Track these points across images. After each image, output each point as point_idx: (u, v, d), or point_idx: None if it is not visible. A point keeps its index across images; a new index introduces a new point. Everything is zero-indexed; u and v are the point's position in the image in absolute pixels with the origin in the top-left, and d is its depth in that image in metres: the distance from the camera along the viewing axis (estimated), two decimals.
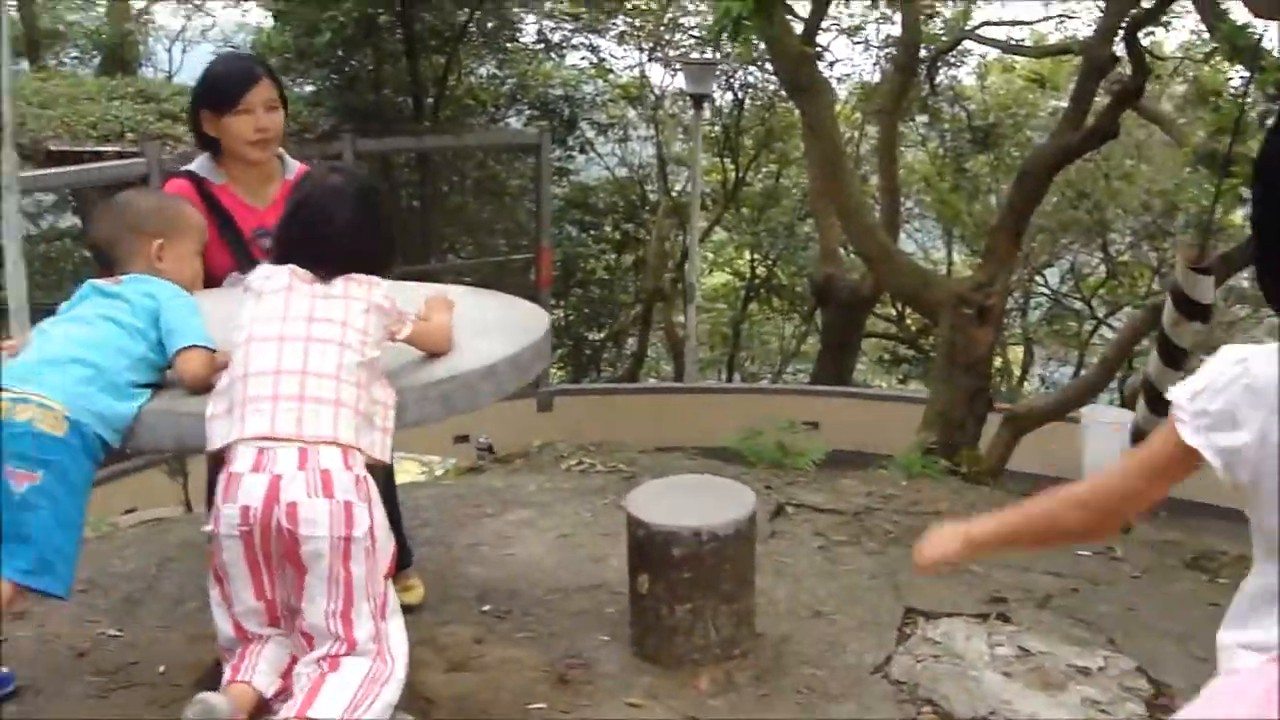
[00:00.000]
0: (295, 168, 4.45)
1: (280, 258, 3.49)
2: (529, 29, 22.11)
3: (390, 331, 3.44)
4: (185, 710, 3.10)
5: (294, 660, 3.27)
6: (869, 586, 5.01)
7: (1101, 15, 12.48)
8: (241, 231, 4.39)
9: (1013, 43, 20.98)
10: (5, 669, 4.25)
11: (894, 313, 25.18)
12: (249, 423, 3.18)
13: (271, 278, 3.40)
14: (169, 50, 30.28)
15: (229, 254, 4.35)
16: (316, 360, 3.25)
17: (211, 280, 4.30)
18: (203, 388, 3.44)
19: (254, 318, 3.34)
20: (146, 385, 3.51)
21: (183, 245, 3.85)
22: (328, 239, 3.45)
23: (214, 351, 3.50)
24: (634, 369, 24.62)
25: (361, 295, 3.38)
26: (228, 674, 3.27)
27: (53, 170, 14.35)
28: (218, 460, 3.29)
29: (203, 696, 3.16)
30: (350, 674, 3.15)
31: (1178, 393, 2.25)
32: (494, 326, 3.88)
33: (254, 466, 3.14)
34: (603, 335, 24.80)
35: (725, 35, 8.09)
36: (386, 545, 3.28)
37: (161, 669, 4.41)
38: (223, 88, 4.35)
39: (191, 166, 4.48)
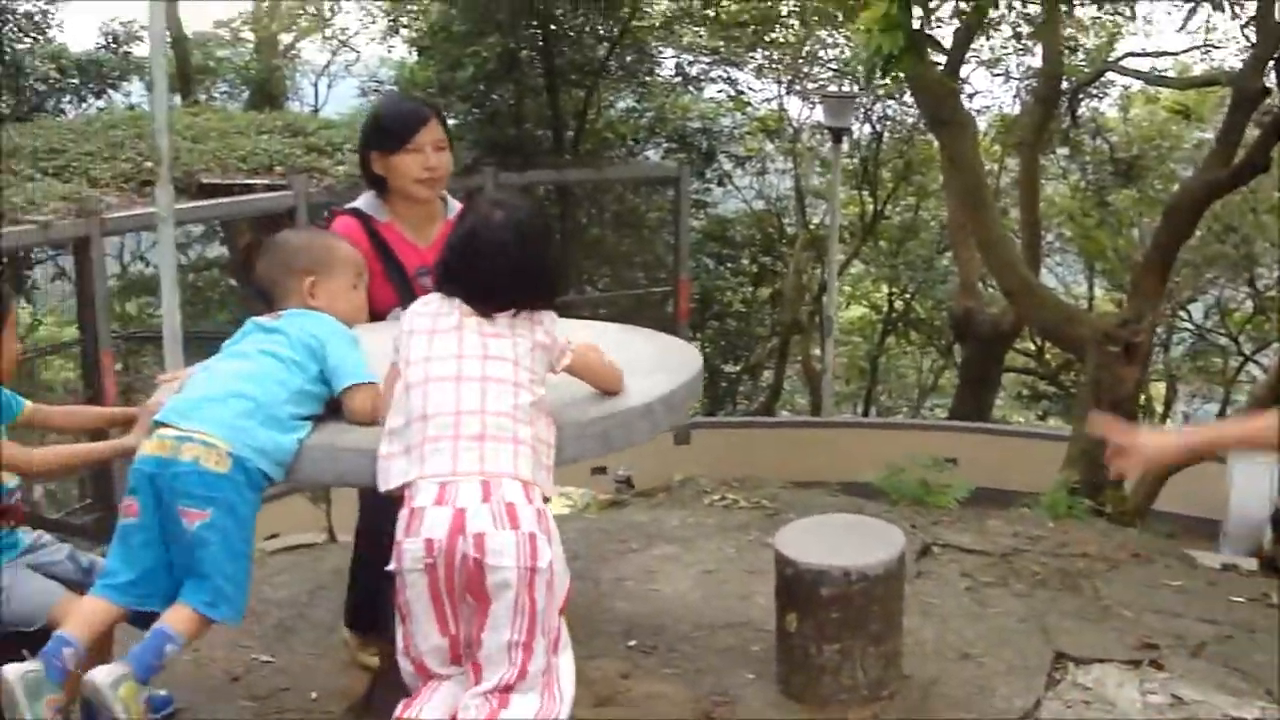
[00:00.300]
0: (456, 208, 4.50)
1: (443, 290, 3.50)
2: (667, 62, 22.26)
3: (551, 367, 3.47)
4: None
5: None
6: (1017, 629, 4.94)
7: (1251, 46, 12.27)
8: (405, 269, 4.47)
9: (1157, 74, 20.62)
10: (163, 692, 4.36)
11: (1033, 347, 24.85)
12: (429, 462, 3.22)
13: (442, 315, 3.43)
14: (314, 85, 31.01)
15: (392, 290, 4.42)
16: (494, 400, 3.28)
17: (375, 316, 4.39)
18: (371, 422, 3.50)
19: (429, 357, 3.36)
20: (307, 417, 3.58)
21: (335, 281, 3.91)
22: (491, 274, 3.44)
23: (378, 385, 3.57)
24: (769, 402, 24.55)
25: (527, 333, 3.41)
26: (398, 709, 3.28)
27: (206, 202, 14.77)
28: (389, 499, 3.32)
29: None
30: (521, 712, 3.16)
31: None
32: (648, 364, 3.89)
33: (437, 500, 3.17)
34: (739, 368, 24.77)
35: (875, 72, 8.04)
36: (564, 579, 3.30)
37: (314, 695, 4.48)
38: (393, 127, 4.44)
39: (357, 204, 4.57)
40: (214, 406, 3.50)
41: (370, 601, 4.28)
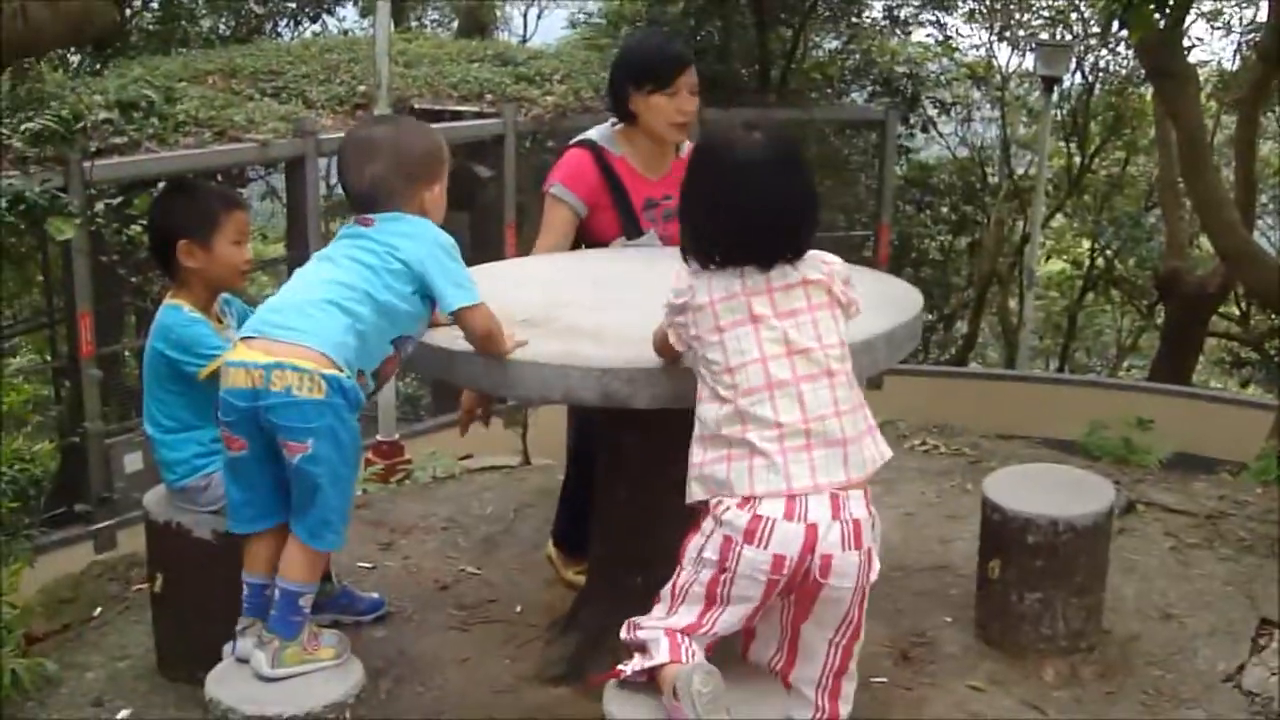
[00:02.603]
0: (687, 146, 4.52)
1: (726, 254, 3.17)
2: (876, 5, 21.96)
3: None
4: (690, 683, 2.98)
5: None
6: (1221, 592, 4.87)
7: None
8: (632, 202, 4.53)
9: None
10: (375, 594, 4.55)
11: (1238, 312, 24.10)
12: (758, 477, 3.05)
13: (731, 304, 3.14)
14: (523, 15, 31.20)
15: (617, 221, 4.50)
16: (812, 402, 3.10)
17: (598, 245, 4.48)
18: (488, 343, 3.46)
19: (729, 366, 3.12)
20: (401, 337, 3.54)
21: (441, 184, 3.67)
22: (769, 227, 3.15)
23: (487, 307, 3.46)
24: (963, 353, 24.25)
25: (822, 300, 3.18)
26: (667, 654, 3.12)
27: None
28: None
29: (699, 667, 3.05)
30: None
31: None
32: (870, 301, 3.88)
33: (786, 514, 3.03)
34: (934, 317, 24.47)
35: (1113, 22, 7.75)
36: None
37: (519, 609, 4.65)
38: (657, 68, 4.48)
39: (590, 135, 4.64)
40: (303, 319, 3.37)
41: (580, 521, 4.39)
